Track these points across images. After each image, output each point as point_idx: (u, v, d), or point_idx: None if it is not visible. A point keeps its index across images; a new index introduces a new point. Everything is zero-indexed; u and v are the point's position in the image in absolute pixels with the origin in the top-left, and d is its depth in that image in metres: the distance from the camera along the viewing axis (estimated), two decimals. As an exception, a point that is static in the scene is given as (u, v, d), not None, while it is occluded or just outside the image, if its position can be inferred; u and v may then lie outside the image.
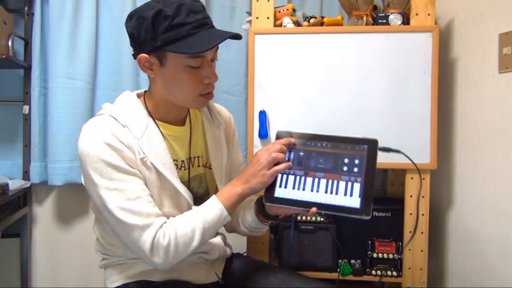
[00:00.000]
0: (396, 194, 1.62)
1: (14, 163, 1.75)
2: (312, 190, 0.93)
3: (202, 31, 0.89)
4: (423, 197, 1.33)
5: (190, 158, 1.04)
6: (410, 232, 1.35)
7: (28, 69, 1.69)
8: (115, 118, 0.92)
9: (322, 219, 1.40)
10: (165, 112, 0.99)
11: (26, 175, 1.73)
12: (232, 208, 0.95)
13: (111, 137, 0.88)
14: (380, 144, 0.96)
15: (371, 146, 0.94)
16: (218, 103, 1.19)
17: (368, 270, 1.39)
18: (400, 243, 1.37)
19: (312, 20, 1.37)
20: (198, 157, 1.06)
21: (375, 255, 1.38)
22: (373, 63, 1.32)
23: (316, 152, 0.96)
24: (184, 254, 0.91)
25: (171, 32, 0.86)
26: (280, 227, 1.42)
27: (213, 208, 0.93)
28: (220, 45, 0.92)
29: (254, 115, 1.36)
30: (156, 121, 0.98)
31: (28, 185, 1.69)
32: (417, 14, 1.31)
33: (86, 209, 1.81)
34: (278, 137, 0.99)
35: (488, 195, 1.21)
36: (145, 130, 0.93)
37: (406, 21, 1.34)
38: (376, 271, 1.39)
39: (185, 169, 1.02)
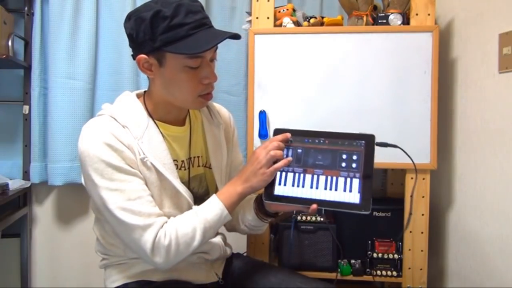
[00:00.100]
0: (396, 194, 1.62)
1: (14, 163, 1.75)
2: (311, 187, 0.93)
3: (201, 31, 0.89)
4: (423, 197, 1.34)
5: (190, 158, 1.04)
6: (411, 232, 1.35)
7: (28, 69, 1.69)
8: (115, 119, 0.92)
9: (322, 219, 1.40)
10: (164, 112, 0.99)
11: (26, 175, 1.73)
12: (233, 207, 0.96)
13: (111, 137, 0.88)
14: (380, 143, 0.97)
15: (369, 141, 0.94)
16: (218, 103, 1.19)
17: (368, 270, 1.39)
18: (400, 243, 1.37)
19: (312, 20, 1.37)
20: (198, 157, 1.06)
21: (375, 255, 1.38)
22: (373, 63, 1.32)
23: (314, 149, 0.96)
24: (185, 253, 0.91)
25: (170, 33, 0.86)
26: (280, 227, 1.42)
27: (214, 207, 0.94)
28: (220, 45, 0.92)
29: (254, 115, 1.36)
30: (156, 121, 0.98)
31: (28, 185, 1.69)
32: (417, 14, 1.31)
33: (86, 209, 1.81)
34: (275, 134, 0.99)
35: (488, 195, 1.21)
36: (145, 131, 0.93)
37: (406, 21, 1.34)
38: (376, 271, 1.39)
39: (185, 169, 1.02)
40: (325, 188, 0.93)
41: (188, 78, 0.92)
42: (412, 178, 1.33)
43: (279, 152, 0.94)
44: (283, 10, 1.40)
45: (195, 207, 0.95)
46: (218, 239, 1.09)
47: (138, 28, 0.88)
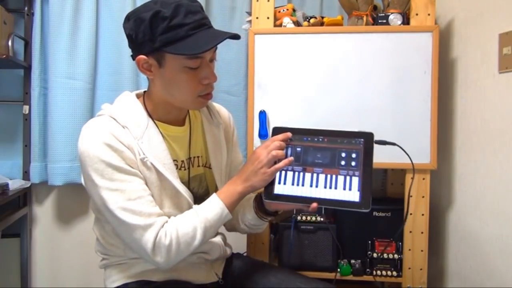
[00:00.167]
0: (396, 194, 1.62)
1: (14, 163, 1.75)
2: (311, 186, 0.93)
3: (200, 32, 0.89)
4: (423, 197, 1.33)
5: (190, 158, 1.04)
6: (410, 232, 1.35)
7: (28, 69, 1.69)
8: (115, 119, 0.92)
9: (322, 219, 1.40)
10: (164, 112, 0.99)
11: (26, 175, 1.73)
12: (233, 206, 0.96)
13: (111, 137, 0.88)
14: (380, 144, 0.97)
15: (367, 139, 0.94)
16: (218, 103, 1.19)
17: (368, 270, 1.39)
18: (400, 243, 1.37)
19: (312, 20, 1.37)
20: (197, 157, 1.06)
21: (375, 255, 1.38)
22: (373, 63, 1.32)
23: (313, 147, 0.96)
24: (186, 253, 0.91)
25: (169, 34, 0.86)
26: (280, 227, 1.42)
27: (214, 206, 0.94)
28: (219, 45, 0.92)
29: (254, 115, 1.36)
30: (156, 121, 0.97)
31: (28, 185, 1.69)
32: (417, 14, 1.31)
33: (86, 209, 1.81)
34: (274, 133, 0.99)
35: (488, 195, 1.21)
36: (144, 131, 0.93)
37: (406, 21, 1.34)
38: (376, 271, 1.39)
39: (185, 169, 1.02)
40: (325, 187, 0.93)
41: (188, 79, 0.92)
42: (412, 178, 1.32)
43: (280, 152, 0.94)
44: (283, 10, 1.40)
45: (195, 207, 0.95)
46: (218, 239, 1.09)
47: (137, 29, 0.88)
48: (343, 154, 0.94)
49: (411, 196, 1.33)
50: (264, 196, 0.96)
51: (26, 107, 1.71)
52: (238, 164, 1.19)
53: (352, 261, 1.42)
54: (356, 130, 0.95)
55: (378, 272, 1.38)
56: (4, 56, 1.48)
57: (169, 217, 0.92)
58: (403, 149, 1.02)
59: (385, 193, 1.70)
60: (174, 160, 0.97)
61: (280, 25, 1.38)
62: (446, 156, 1.43)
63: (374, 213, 1.41)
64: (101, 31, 1.70)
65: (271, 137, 0.99)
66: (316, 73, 1.34)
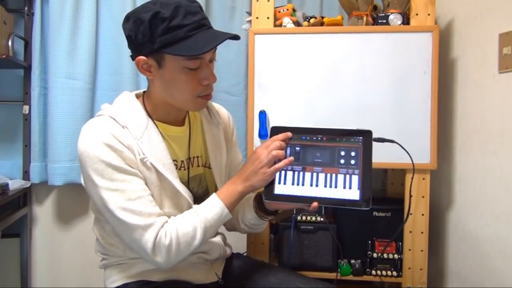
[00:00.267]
0: (396, 194, 1.62)
1: (14, 163, 1.75)
2: (311, 185, 0.93)
3: (200, 33, 0.89)
4: (423, 197, 1.33)
5: (189, 158, 1.04)
6: (410, 232, 1.35)
7: (28, 69, 1.69)
8: (114, 119, 0.92)
9: (322, 219, 1.40)
10: (164, 113, 0.99)
11: (26, 175, 1.73)
12: (233, 206, 0.96)
13: (111, 138, 0.88)
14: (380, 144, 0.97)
15: (366, 137, 0.94)
16: (218, 103, 1.19)
17: (368, 270, 1.39)
18: (400, 243, 1.37)
19: (312, 20, 1.37)
20: (197, 157, 1.06)
21: (375, 255, 1.38)
22: (373, 63, 1.32)
23: (312, 146, 0.96)
24: (186, 252, 0.91)
25: (169, 35, 0.86)
26: (280, 227, 1.42)
27: (214, 206, 0.94)
28: (219, 45, 0.92)
29: (254, 115, 1.36)
30: (155, 121, 0.97)
31: (28, 185, 1.69)
32: (417, 14, 1.31)
33: (86, 209, 1.81)
34: (273, 132, 0.99)
35: (488, 195, 1.21)
36: (144, 131, 0.93)
37: (406, 21, 1.34)
38: (376, 271, 1.39)
39: (184, 169, 1.02)
40: (325, 186, 0.93)
41: (187, 79, 0.92)
42: (411, 178, 1.33)
43: (281, 152, 0.94)
44: (283, 10, 1.40)
45: (195, 206, 0.95)
46: (218, 239, 1.09)
47: (137, 30, 0.88)
48: (342, 153, 0.94)
49: (411, 196, 1.33)
50: (264, 196, 0.96)
51: (26, 107, 1.71)
52: (238, 164, 1.19)
53: (352, 261, 1.42)
54: (354, 128, 0.96)
55: (378, 272, 1.38)
56: (4, 56, 1.48)
57: (169, 217, 0.92)
58: (402, 146, 1.02)
59: (385, 193, 1.70)
60: (173, 160, 0.97)
61: (280, 25, 1.38)
62: (446, 156, 1.43)
63: (374, 213, 1.41)
64: (101, 31, 1.70)
65: (270, 136, 0.98)
66: (316, 73, 1.34)
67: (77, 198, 1.80)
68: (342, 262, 1.41)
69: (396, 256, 1.37)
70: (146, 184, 0.92)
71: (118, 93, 1.02)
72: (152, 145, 0.93)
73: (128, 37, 0.92)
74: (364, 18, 1.37)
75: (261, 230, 1.12)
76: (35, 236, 1.81)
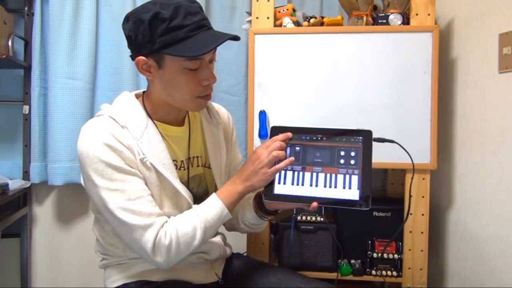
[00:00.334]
0: (396, 194, 1.62)
1: (14, 163, 1.75)
2: (311, 185, 0.93)
3: (200, 33, 0.89)
4: (423, 197, 1.33)
5: (189, 158, 1.04)
6: (410, 232, 1.35)
7: (28, 69, 1.69)
8: (114, 119, 0.92)
9: (322, 219, 1.40)
10: (164, 113, 0.99)
11: (26, 175, 1.73)
12: (232, 206, 0.96)
13: (111, 138, 0.88)
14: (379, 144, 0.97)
15: (366, 137, 0.94)
16: (218, 103, 1.19)
17: (368, 270, 1.39)
18: (400, 243, 1.37)
19: (312, 20, 1.37)
20: (197, 157, 1.06)
21: (375, 255, 1.38)
22: (373, 63, 1.32)
23: (312, 146, 0.96)
24: (186, 252, 0.91)
25: (169, 35, 0.86)
26: (280, 227, 1.42)
27: (214, 206, 0.94)
28: (219, 46, 0.92)
29: (254, 115, 1.36)
30: (155, 121, 0.97)
31: (28, 185, 1.69)
32: (417, 14, 1.31)
33: (86, 209, 1.81)
34: (273, 132, 0.99)
35: (488, 195, 1.21)
36: (144, 131, 0.93)
37: (406, 21, 1.34)
38: (376, 271, 1.39)
39: (184, 169, 1.02)
40: (325, 186, 0.93)
41: (187, 80, 0.92)
42: (411, 178, 1.33)
43: (281, 153, 0.94)
44: (283, 10, 1.40)
45: (195, 206, 0.95)
46: (217, 239, 1.10)
47: (136, 30, 0.88)
48: (342, 153, 0.94)
49: (411, 196, 1.33)
50: (264, 196, 0.96)
51: (26, 107, 1.71)
52: (238, 164, 1.19)
53: (352, 261, 1.42)
54: (354, 128, 0.96)
55: (378, 272, 1.38)
56: (4, 56, 1.49)
57: (168, 217, 0.92)
58: (402, 146, 1.02)
59: (385, 193, 1.70)
60: (173, 160, 0.97)
61: (280, 25, 1.38)
62: (446, 156, 1.43)
63: (374, 213, 1.41)
64: (101, 31, 1.70)
65: (270, 136, 0.98)
66: (316, 73, 1.34)
67: (77, 198, 1.80)
68: (342, 262, 1.41)
69: (396, 256, 1.38)
70: (146, 184, 0.91)
71: (118, 93, 1.02)
72: (152, 145, 0.93)
73: (128, 37, 0.92)
74: (364, 18, 1.37)
75: (261, 230, 1.12)
76: (35, 236, 1.81)
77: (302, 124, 0.99)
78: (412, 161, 1.05)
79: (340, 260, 1.41)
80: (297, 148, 0.96)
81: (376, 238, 1.40)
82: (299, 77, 1.35)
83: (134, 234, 0.87)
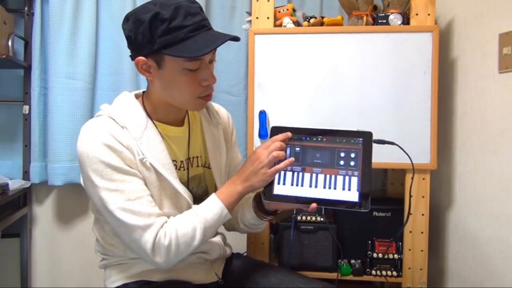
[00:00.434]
0: (396, 194, 1.62)
1: (14, 163, 1.75)
2: (310, 186, 0.93)
3: (200, 34, 0.88)
4: (423, 197, 1.33)
5: (189, 158, 1.03)
6: (410, 232, 1.34)
7: (28, 69, 1.69)
8: (114, 119, 0.92)
9: (322, 219, 1.40)
10: (163, 113, 0.99)
11: (26, 175, 1.73)
12: (232, 206, 0.96)
13: (110, 138, 0.88)
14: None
15: (366, 139, 0.94)
16: (218, 103, 1.19)
17: (368, 270, 1.39)
18: (400, 243, 1.37)
19: (312, 20, 1.37)
20: (197, 157, 1.06)
21: (375, 255, 1.38)
22: (373, 63, 1.32)
23: (312, 147, 0.96)
24: (186, 253, 0.91)
25: (169, 36, 0.86)
26: (280, 227, 1.42)
27: (213, 206, 0.94)
28: (219, 46, 0.92)
29: (254, 115, 1.36)
30: (155, 121, 0.97)
31: (28, 185, 1.69)
32: (417, 14, 1.31)
33: (86, 209, 1.81)
34: (273, 132, 0.99)
35: (488, 195, 1.21)
36: (144, 131, 0.93)
37: (406, 21, 1.34)
38: (376, 271, 1.39)
39: (184, 170, 1.02)
40: (324, 187, 0.93)
41: (187, 80, 0.91)
42: (411, 178, 1.33)
43: (281, 153, 0.94)
44: (283, 10, 1.40)
45: (194, 207, 0.95)
46: (217, 239, 1.09)
47: (136, 30, 0.88)
48: (342, 154, 0.94)
49: (411, 197, 1.33)
50: (263, 197, 0.96)
51: (26, 107, 1.71)
52: (238, 164, 1.19)
53: (352, 261, 1.42)
54: (355, 129, 0.95)
55: (378, 272, 1.38)
56: (4, 56, 1.48)
57: (168, 217, 0.92)
58: (402, 148, 1.02)
59: (385, 193, 1.70)
60: (173, 161, 0.97)
61: (280, 25, 1.38)
62: (446, 156, 1.43)
63: (374, 213, 1.41)
64: (101, 31, 1.70)
65: (270, 136, 0.98)
66: (316, 73, 1.34)
67: (77, 198, 1.80)
68: (342, 262, 1.41)
69: (396, 256, 1.38)
70: (146, 184, 0.91)
71: (118, 93, 1.02)
72: (152, 145, 0.93)
73: (128, 38, 0.92)
74: (364, 18, 1.37)
75: (260, 230, 1.12)
76: (35, 236, 1.81)
77: (302, 124, 0.99)
78: (412, 162, 1.05)
79: (340, 260, 1.41)
80: (297, 149, 0.96)
81: (376, 238, 1.40)
82: (299, 77, 1.35)
83: (134, 234, 0.87)
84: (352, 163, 0.93)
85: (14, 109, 1.75)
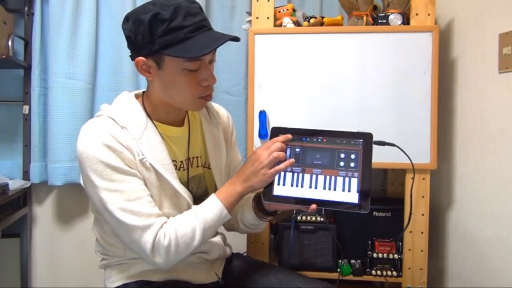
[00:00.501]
0: (396, 194, 1.62)
1: (14, 163, 1.75)
2: (310, 187, 0.93)
3: (199, 34, 0.88)
4: (423, 197, 1.33)
5: (189, 158, 1.03)
6: (411, 232, 1.34)
7: (28, 69, 1.69)
8: (114, 119, 0.92)
9: (322, 219, 1.40)
10: (163, 113, 0.99)
11: (26, 175, 1.73)
12: (232, 206, 0.96)
13: (110, 138, 0.88)
14: (379, 144, 0.97)
15: (367, 140, 0.94)
16: (218, 103, 1.19)
17: (368, 270, 1.39)
18: (400, 243, 1.37)
19: (312, 20, 1.37)
20: (197, 157, 1.06)
21: (375, 255, 1.38)
22: (373, 63, 1.32)
23: (312, 148, 0.96)
24: (185, 253, 0.91)
25: (168, 36, 0.86)
26: (280, 227, 1.42)
27: (213, 207, 0.93)
28: (219, 47, 0.91)
29: (254, 115, 1.36)
30: (155, 122, 0.97)
31: (28, 185, 1.69)
32: (417, 14, 1.31)
33: (86, 209, 1.81)
34: (273, 133, 0.99)
35: (488, 195, 1.21)
36: (143, 131, 0.93)
37: (406, 21, 1.34)
38: (376, 271, 1.39)
39: (184, 170, 1.02)
40: (324, 188, 0.93)
41: (187, 81, 0.91)
42: (412, 178, 1.33)
43: (282, 154, 0.94)
44: (283, 10, 1.40)
45: (194, 207, 0.95)
46: (217, 239, 1.09)
47: (136, 31, 0.88)
48: (342, 155, 0.94)
49: (411, 197, 1.33)
50: (263, 197, 0.96)
51: (26, 107, 1.71)
52: (237, 165, 1.19)
53: (352, 261, 1.42)
54: (355, 130, 0.95)
55: (378, 272, 1.38)
56: (4, 56, 1.48)
57: (168, 217, 0.92)
58: (402, 150, 1.02)
59: (385, 193, 1.70)
60: (173, 161, 0.97)
61: (280, 25, 1.38)
62: (446, 156, 1.43)
63: (374, 213, 1.41)
64: (101, 31, 1.70)
65: (271, 137, 0.98)
66: (316, 73, 1.34)
67: (77, 198, 1.80)
68: (342, 262, 1.40)
69: (396, 256, 1.38)
70: (146, 184, 0.91)
71: (118, 93, 1.02)
72: (151, 145, 0.93)
73: (128, 38, 0.92)
74: (364, 18, 1.37)
75: (260, 230, 1.12)
76: (35, 236, 1.81)
77: (302, 123, 0.99)
78: (412, 163, 1.05)
79: (340, 260, 1.41)
80: (297, 150, 0.96)
81: (376, 238, 1.40)
82: (299, 77, 1.35)
83: (133, 234, 0.87)
84: (352, 164, 0.93)
85: (14, 109, 1.75)
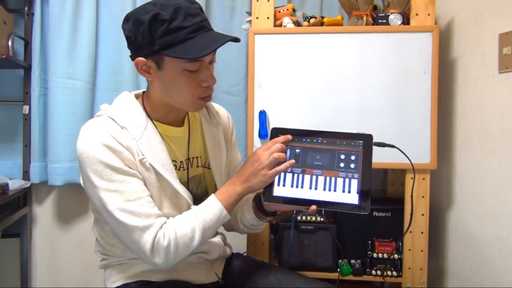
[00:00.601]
0: (396, 194, 1.62)
1: (14, 163, 1.75)
2: (310, 188, 0.93)
3: (200, 35, 0.88)
4: (423, 197, 1.33)
5: (189, 158, 1.03)
6: (411, 232, 1.34)
7: (28, 69, 1.69)
8: (114, 119, 0.92)
9: (322, 219, 1.40)
10: (163, 113, 0.99)
11: (26, 175, 1.73)
12: (231, 207, 0.95)
13: (110, 138, 0.88)
14: (379, 144, 0.97)
15: (367, 141, 0.94)
16: (218, 103, 1.19)
17: (368, 270, 1.39)
18: (400, 243, 1.37)
19: (312, 20, 1.37)
20: (197, 157, 1.06)
21: (375, 255, 1.38)
22: (373, 63, 1.32)
23: (312, 149, 0.96)
24: (185, 254, 0.91)
25: (168, 37, 0.86)
26: (280, 227, 1.42)
27: (213, 207, 0.93)
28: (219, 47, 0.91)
29: (254, 115, 1.36)
30: (155, 122, 0.97)
31: (28, 185, 1.69)
32: (417, 14, 1.31)
33: (86, 209, 1.81)
34: (273, 133, 0.99)
35: (488, 195, 1.21)
36: (143, 131, 0.93)
37: (406, 21, 1.34)
38: (376, 271, 1.39)
39: (184, 170, 1.02)
40: (324, 189, 0.93)
41: (187, 81, 0.91)
42: (412, 178, 1.33)
43: (282, 155, 0.94)
44: (283, 10, 1.40)
45: (194, 207, 0.95)
46: (217, 239, 1.09)
47: (136, 31, 0.88)
48: (342, 156, 0.94)
49: (412, 198, 1.33)
50: (263, 198, 0.96)
51: (26, 107, 1.71)
52: (237, 165, 1.19)
53: (352, 261, 1.42)
54: (355, 131, 0.95)
55: (378, 272, 1.38)
56: (4, 56, 1.48)
57: (168, 217, 0.92)
58: (402, 151, 1.02)
59: (385, 193, 1.70)
60: (173, 161, 0.97)
61: (280, 25, 1.38)
62: (446, 156, 1.43)
63: (374, 213, 1.41)
64: (101, 31, 1.70)
65: (271, 137, 0.98)
66: (316, 73, 1.34)
67: (77, 198, 1.80)
68: (342, 262, 1.40)
69: (396, 256, 1.38)
70: (145, 185, 0.91)
71: (118, 93, 1.02)
72: (151, 145, 0.93)
73: (128, 38, 0.92)
74: (364, 18, 1.37)
75: (260, 230, 1.12)
76: (35, 236, 1.81)
77: (302, 123, 0.99)
78: (412, 164, 1.05)
79: (340, 260, 1.41)
80: (297, 150, 0.96)
81: (376, 238, 1.40)
82: (299, 77, 1.35)
83: (133, 235, 0.87)
84: (352, 166, 0.93)
85: (14, 109, 1.75)
